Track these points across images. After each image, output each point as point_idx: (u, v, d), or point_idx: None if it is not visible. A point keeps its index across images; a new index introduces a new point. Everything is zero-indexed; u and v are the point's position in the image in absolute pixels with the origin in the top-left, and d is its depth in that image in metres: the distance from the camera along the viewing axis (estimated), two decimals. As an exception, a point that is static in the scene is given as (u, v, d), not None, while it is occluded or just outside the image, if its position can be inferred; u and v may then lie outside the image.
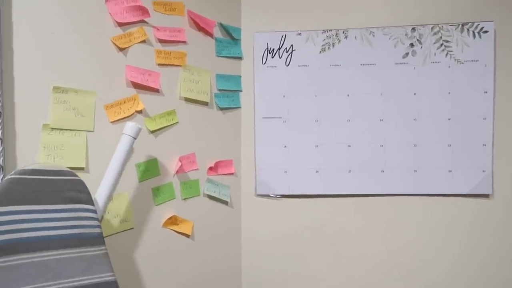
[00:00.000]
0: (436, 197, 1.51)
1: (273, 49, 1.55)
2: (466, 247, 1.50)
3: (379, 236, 1.53)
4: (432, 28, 1.50)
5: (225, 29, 1.52)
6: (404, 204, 1.52)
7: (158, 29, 1.30)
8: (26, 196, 0.89)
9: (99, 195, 1.05)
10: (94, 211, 0.99)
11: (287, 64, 1.55)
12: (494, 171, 1.48)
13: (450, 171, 1.50)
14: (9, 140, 0.97)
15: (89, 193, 0.99)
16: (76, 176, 0.98)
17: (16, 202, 0.88)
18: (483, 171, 1.48)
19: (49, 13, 1.04)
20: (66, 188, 0.96)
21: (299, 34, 1.55)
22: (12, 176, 0.89)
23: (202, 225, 1.43)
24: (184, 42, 1.38)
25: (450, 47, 1.49)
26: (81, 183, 0.98)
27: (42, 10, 1.03)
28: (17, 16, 0.99)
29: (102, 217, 1.13)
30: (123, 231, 1.20)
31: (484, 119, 1.48)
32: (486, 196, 1.49)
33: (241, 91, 1.57)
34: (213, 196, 1.47)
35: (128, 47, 1.22)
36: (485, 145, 1.48)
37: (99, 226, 0.99)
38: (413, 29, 1.51)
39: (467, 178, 1.49)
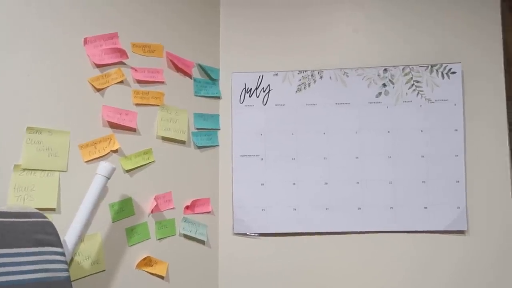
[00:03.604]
0: (413, 234, 1.51)
1: (251, 89, 1.59)
2: (446, 284, 1.49)
3: (358, 274, 1.52)
4: (403, 69, 1.56)
5: (203, 69, 1.56)
6: (382, 242, 1.52)
7: (136, 70, 1.33)
8: (-9, 240, 0.87)
9: (68, 236, 1.03)
10: (63, 254, 0.97)
11: (264, 103, 1.58)
12: (469, 207, 1.51)
13: (426, 207, 1.51)
14: (-23, 181, 0.96)
15: (57, 235, 0.97)
16: (45, 217, 0.96)
17: (-20, 246, 0.86)
18: (458, 207, 1.50)
19: (26, 54, 1.06)
20: (34, 230, 0.94)
21: (276, 74, 1.59)
22: (-22, 219, 0.87)
23: (178, 265, 1.41)
24: (162, 82, 1.41)
25: (421, 87, 1.55)
26: (49, 224, 0.96)
27: (19, 52, 1.05)
28: (-7, 59, 1.00)
29: (72, 259, 1.11)
30: (94, 273, 1.17)
31: (456, 156, 1.52)
32: (461, 232, 1.50)
33: (219, 129, 1.59)
34: (189, 236, 1.45)
35: (106, 87, 1.24)
36: (458, 181, 1.51)
37: (66, 270, 0.96)
38: (385, 70, 1.57)
39: (442, 214, 1.50)
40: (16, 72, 1.04)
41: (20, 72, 1.05)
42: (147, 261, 1.30)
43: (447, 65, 1.55)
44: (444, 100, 1.54)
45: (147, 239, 1.32)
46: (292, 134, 1.57)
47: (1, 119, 1.01)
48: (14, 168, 1.02)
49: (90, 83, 1.20)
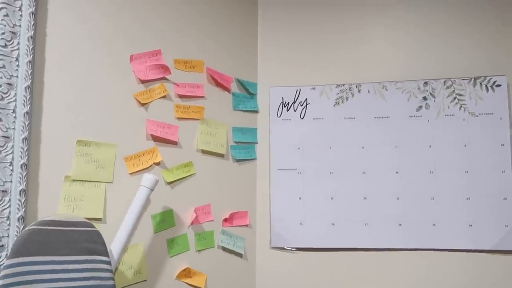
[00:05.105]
0: (457, 253, 1.45)
1: (288, 103, 1.60)
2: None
3: (399, 293, 1.47)
4: (444, 82, 1.53)
5: (242, 84, 1.58)
6: (424, 259, 1.47)
7: (178, 85, 1.37)
8: (43, 247, 0.92)
9: (114, 246, 1.06)
10: (109, 263, 1.00)
11: (301, 117, 1.59)
12: (518, 226, 1.43)
13: (471, 225, 1.45)
14: (31, 191, 1.02)
15: (104, 244, 1.00)
16: (93, 227, 1.00)
17: (34, 253, 0.90)
18: (506, 226, 1.43)
19: (78, 72, 1.12)
20: (83, 239, 0.98)
21: (313, 88, 1.60)
22: (32, 227, 0.92)
23: (216, 278, 1.41)
24: (202, 97, 1.44)
25: (464, 100, 1.51)
26: (97, 234, 1.00)
27: (72, 69, 1.11)
28: (49, 76, 1.06)
29: (116, 268, 1.14)
30: (136, 283, 1.20)
31: (502, 172, 1.46)
32: (510, 252, 1.43)
33: (256, 143, 1.61)
34: (227, 248, 1.46)
35: (149, 102, 1.29)
36: (505, 198, 1.45)
37: (112, 278, 0.99)
38: (426, 83, 1.54)
39: (489, 233, 1.44)
40: (68, 88, 1.10)
41: (72, 89, 1.11)
42: (186, 272, 1.32)
43: (491, 78, 1.50)
44: (489, 113, 1.49)
45: (187, 251, 1.34)
46: (330, 148, 1.56)
47: (53, 132, 1.07)
48: (65, 179, 1.08)
49: (135, 98, 1.25)
